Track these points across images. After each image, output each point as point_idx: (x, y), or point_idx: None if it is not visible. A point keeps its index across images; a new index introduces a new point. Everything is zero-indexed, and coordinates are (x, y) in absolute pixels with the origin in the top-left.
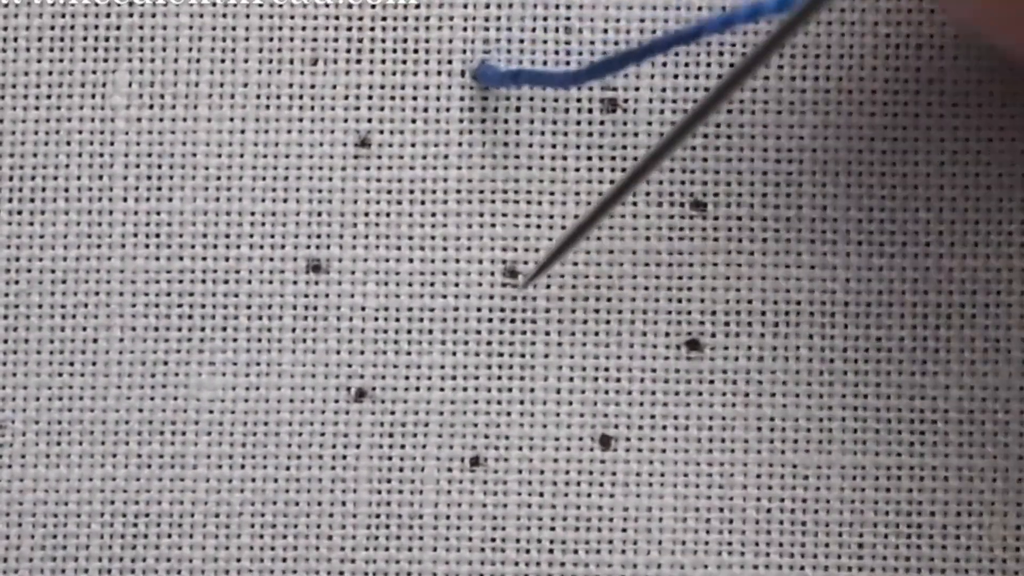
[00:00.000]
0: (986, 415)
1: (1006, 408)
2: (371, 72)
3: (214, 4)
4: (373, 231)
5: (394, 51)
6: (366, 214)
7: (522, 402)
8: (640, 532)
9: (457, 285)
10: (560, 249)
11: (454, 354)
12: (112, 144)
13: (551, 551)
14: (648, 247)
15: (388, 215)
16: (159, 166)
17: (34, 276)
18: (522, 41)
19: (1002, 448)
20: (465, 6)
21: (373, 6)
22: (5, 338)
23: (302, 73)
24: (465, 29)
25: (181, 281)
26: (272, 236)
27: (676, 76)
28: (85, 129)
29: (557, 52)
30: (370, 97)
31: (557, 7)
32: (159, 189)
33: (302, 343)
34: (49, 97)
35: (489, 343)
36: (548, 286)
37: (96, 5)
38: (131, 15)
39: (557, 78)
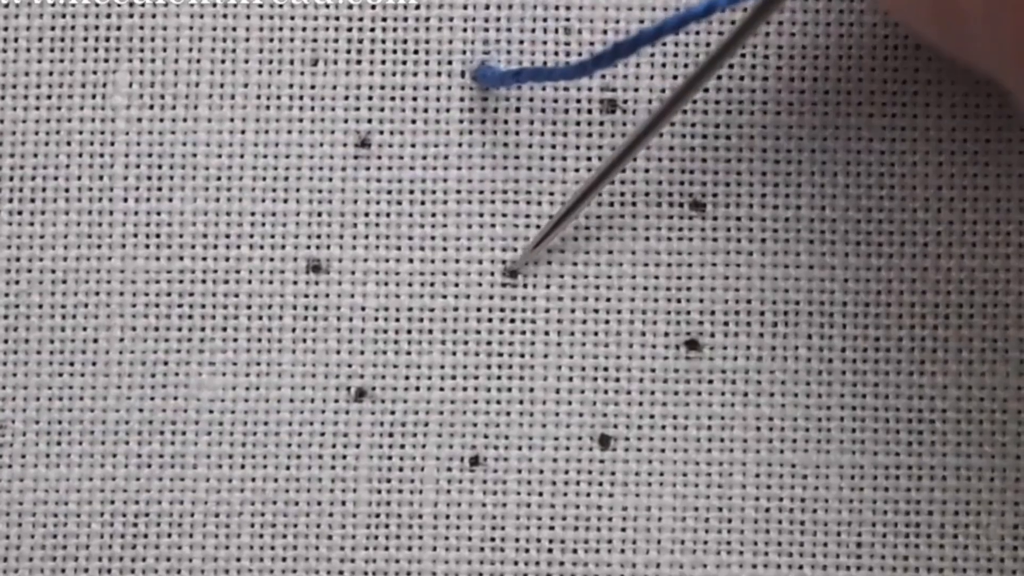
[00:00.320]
0: (984, 415)
1: (1004, 408)
2: (371, 73)
3: (214, 5)
4: (373, 231)
5: (394, 52)
6: (366, 214)
7: (521, 402)
8: (639, 531)
9: (457, 285)
10: (545, 235)
11: (454, 354)
12: (112, 144)
13: (550, 550)
14: (647, 247)
15: (388, 215)
16: (159, 166)
17: (34, 276)
18: (522, 42)
19: (1000, 448)
20: (465, 7)
21: (373, 7)
22: (5, 338)
23: (302, 74)
24: (465, 30)
25: (181, 281)
26: (272, 236)
27: (675, 76)
28: (85, 129)
29: (557, 53)
30: (370, 98)
31: (557, 8)
32: (159, 189)
33: (302, 343)
34: (50, 97)
35: (489, 343)
36: (548, 286)
37: (96, 6)
38: (131, 16)
39: (557, 73)
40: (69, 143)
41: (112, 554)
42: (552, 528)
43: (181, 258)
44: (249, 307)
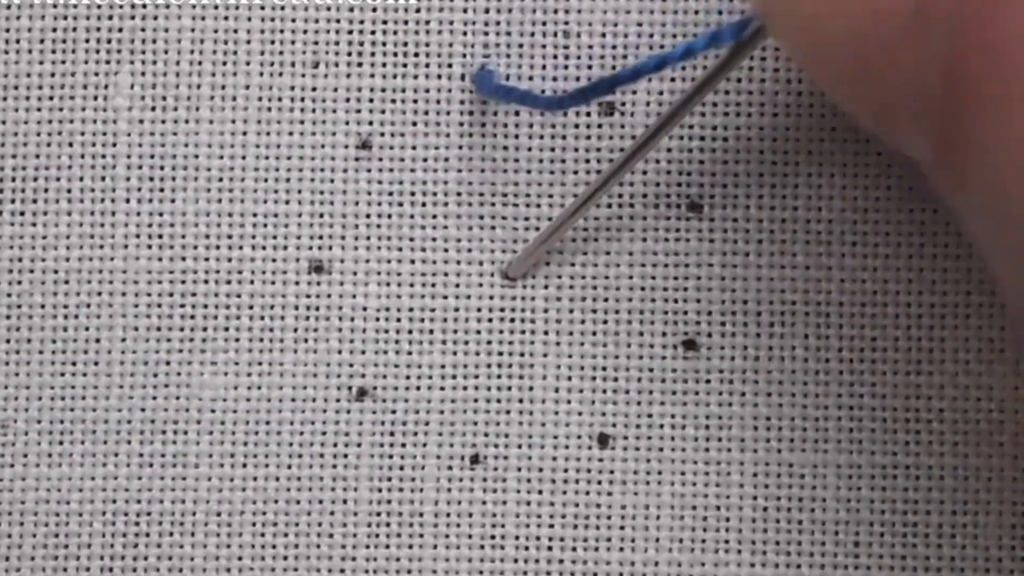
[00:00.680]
0: (981, 414)
1: (1001, 407)
2: (372, 75)
3: (216, 7)
4: (374, 232)
5: (395, 54)
6: (367, 215)
7: (521, 401)
8: (638, 530)
9: (457, 286)
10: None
11: (454, 354)
12: (114, 146)
13: (550, 548)
14: (645, 248)
15: (389, 216)
16: (161, 168)
17: (37, 277)
18: (521, 46)
19: (997, 447)
20: (465, 10)
21: (374, 10)
22: (8, 338)
23: (303, 76)
24: (465, 33)
25: (183, 282)
26: (274, 237)
27: (673, 79)
28: (87, 131)
29: (556, 56)
30: (371, 100)
31: (556, 12)
32: (161, 191)
33: (304, 343)
34: (51, 99)
35: (489, 343)
36: (546, 287)
37: (98, 7)
38: (133, 17)
39: (541, 101)
40: (71, 144)
41: (114, 553)
42: (551, 526)
43: (183, 259)
44: (251, 307)
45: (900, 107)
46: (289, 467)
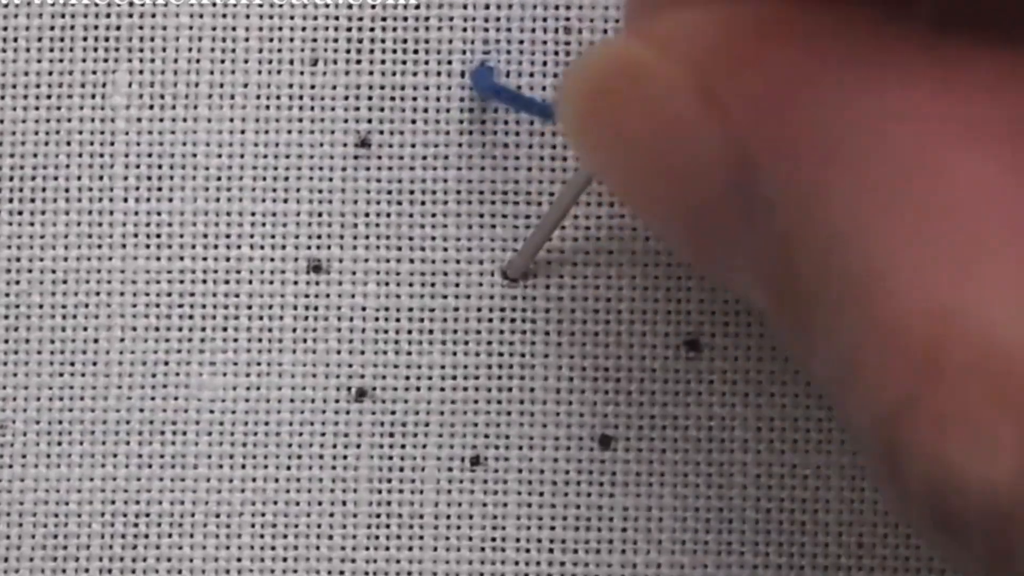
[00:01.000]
0: None
1: None
2: (371, 72)
3: (214, 4)
4: (373, 231)
5: (394, 51)
6: (366, 214)
7: (522, 402)
8: (639, 532)
9: (457, 285)
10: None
11: (454, 354)
12: (112, 144)
13: (551, 550)
14: (647, 247)
15: (388, 215)
16: (159, 166)
17: (34, 276)
18: (522, 42)
19: None
20: (465, 7)
21: (373, 6)
22: (6, 338)
23: (302, 73)
24: (465, 30)
25: (182, 281)
26: (272, 236)
27: None
28: (85, 129)
29: (557, 53)
30: (370, 97)
31: (557, 8)
32: (159, 189)
33: (303, 343)
34: (49, 97)
35: (489, 343)
36: (547, 286)
37: (96, 5)
38: (131, 15)
39: (535, 107)
40: (69, 143)
41: (113, 554)
42: (553, 528)
43: (181, 258)
44: (249, 307)
45: (734, 266)
46: (288, 468)
